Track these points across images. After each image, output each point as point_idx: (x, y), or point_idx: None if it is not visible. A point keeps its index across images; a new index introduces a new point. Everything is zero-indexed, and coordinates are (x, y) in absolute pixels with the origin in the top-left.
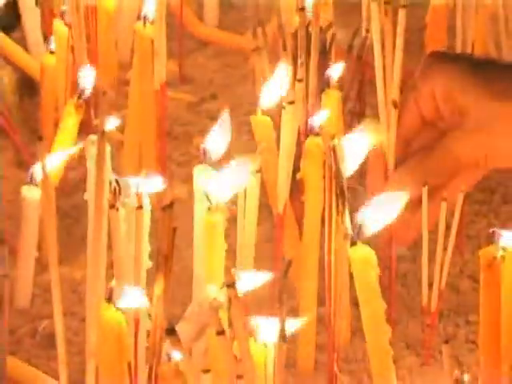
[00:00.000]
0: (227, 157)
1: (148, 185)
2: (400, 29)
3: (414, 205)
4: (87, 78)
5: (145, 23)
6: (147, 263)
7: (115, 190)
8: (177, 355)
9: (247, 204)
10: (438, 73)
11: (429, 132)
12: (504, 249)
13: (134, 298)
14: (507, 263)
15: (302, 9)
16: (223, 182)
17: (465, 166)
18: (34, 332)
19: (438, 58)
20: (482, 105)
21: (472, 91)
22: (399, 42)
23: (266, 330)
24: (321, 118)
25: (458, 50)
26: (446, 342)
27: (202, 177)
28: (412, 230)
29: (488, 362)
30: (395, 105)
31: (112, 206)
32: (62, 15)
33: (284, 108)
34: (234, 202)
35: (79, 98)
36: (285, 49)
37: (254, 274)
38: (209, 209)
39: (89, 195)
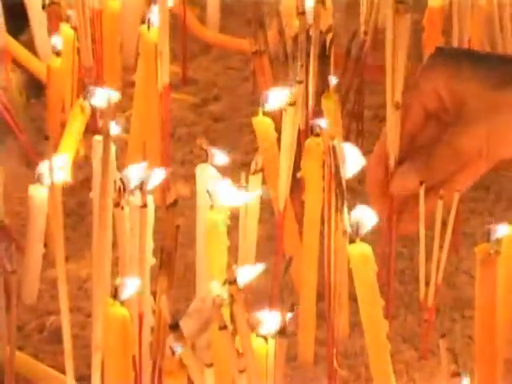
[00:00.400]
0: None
1: (151, 183)
2: (404, 31)
3: (418, 199)
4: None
5: (149, 27)
6: (151, 260)
7: (120, 188)
8: (180, 350)
9: (249, 202)
10: (440, 67)
11: (434, 128)
12: (498, 242)
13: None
14: (503, 256)
15: (303, 13)
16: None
17: (468, 159)
18: (41, 327)
19: (441, 53)
20: (479, 95)
21: (470, 83)
22: (403, 43)
23: (267, 324)
24: (320, 119)
25: None
26: (443, 336)
27: (205, 176)
28: (414, 223)
29: (484, 355)
30: (397, 106)
31: (117, 205)
32: (68, 19)
33: (285, 109)
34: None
35: (85, 99)
36: (285, 52)
37: (252, 268)
38: (211, 207)
39: (94, 194)
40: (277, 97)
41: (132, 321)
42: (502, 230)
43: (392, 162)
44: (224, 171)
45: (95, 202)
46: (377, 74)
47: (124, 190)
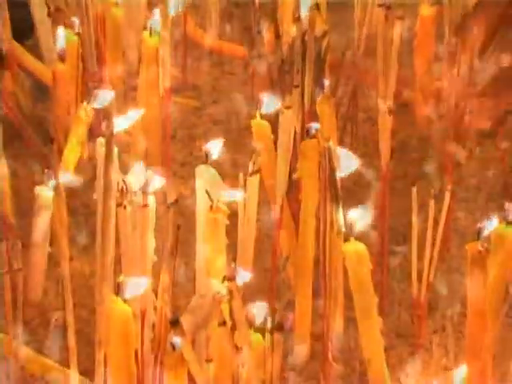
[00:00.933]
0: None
1: (152, 184)
2: (396, 38)
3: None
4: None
5: (151, 33)
6: (153, 258)
7: (122, 189)
8: (181, 345)
9: (247, 202)
10: None
11: None
12: (488, 240)
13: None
14: (492, 253)
15: (298, 19)
16: None
17: None
18: (46, 323)
19: None
20: None
21: None
22: (394, 50)
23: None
24: (316, 121)
25: (446, 55)
26: (435, 332)
27: (204, 177)
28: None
29: (474, 350)
30: (390, 111)
31: (119, 205)
32: (73, 25)
33: (282, 112)
34: (235, 200)
35: (89, 103)
36: (282, 57)
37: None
38: (210, 207)
39: (98, 194)
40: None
41: (134, 317)
42: (490, 226)
43: (384, 164)
44: (223, 172)
45: (99, 202)
46: (369, 79)
47: (126, 190)
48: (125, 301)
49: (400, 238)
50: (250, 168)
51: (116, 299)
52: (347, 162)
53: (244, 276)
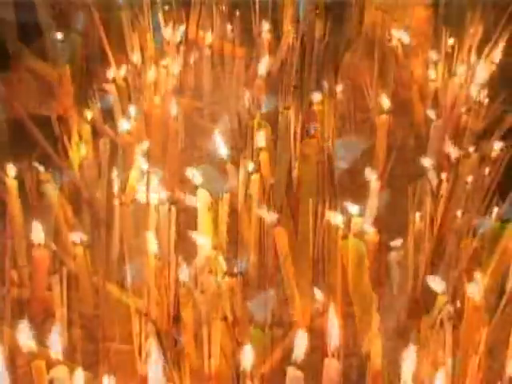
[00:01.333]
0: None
1: (154, 183)
2: (393, 40)
3: None
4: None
5: (154, 35)
6: (155, 255)
7: (125, 188)
8: (183, 340)
9: (248, 200)
10: None
11: None
12: (483, 237)
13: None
14: (487, 250)
15: (298, 21)
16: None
17: None
18: (51, 318)
19: None
20: None
21: None
22: (392, 51)
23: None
24: (315, 121)
25: (442, 56)
26: (432, 327)
27: (205, 176)
28: None
29: (470, 345)
30: (388, 112)
31: (122, 203)
32: (77, 27)
33: (281, 113)
34: (235, 198)
35: (93, 103)
36: (282, 58)
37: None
38: (211, 204)
39: (101, 193)
40: (270, 99)
41: (137, 312)
42: (485, 226)
43: (382, 163)
44: (223, 171)
45: (102, 201)
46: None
47: (129, 189)
48: (128, 297)
49: (397, 235)
50: (251, 167)
51: (119, 295)
52: (349, 149)
53: (244, 273)
